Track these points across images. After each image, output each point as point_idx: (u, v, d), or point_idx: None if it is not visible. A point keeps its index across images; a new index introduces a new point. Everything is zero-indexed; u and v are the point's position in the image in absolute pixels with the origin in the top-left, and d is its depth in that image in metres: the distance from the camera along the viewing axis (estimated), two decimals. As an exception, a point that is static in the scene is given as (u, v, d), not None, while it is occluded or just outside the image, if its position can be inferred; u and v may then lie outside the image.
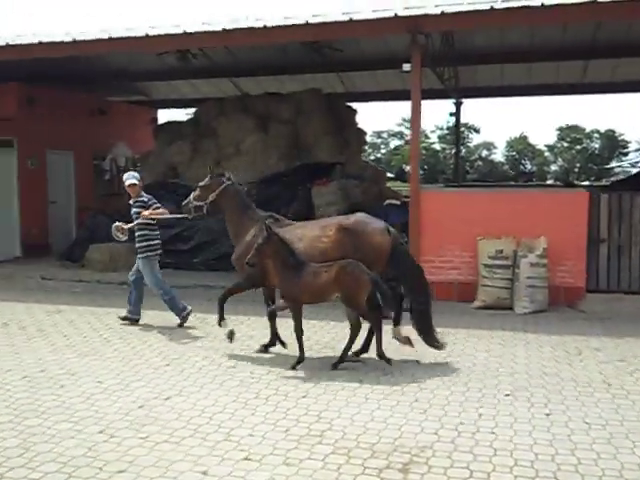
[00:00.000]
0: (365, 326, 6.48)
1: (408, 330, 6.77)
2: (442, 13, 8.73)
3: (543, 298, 8.90)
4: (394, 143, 66.47)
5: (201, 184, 7.51)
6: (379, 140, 67.47)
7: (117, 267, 12.07)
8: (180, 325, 8.17)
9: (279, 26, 9.58)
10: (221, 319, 7.01)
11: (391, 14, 8.90)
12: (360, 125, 15.57)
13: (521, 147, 64.74)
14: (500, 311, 9.00)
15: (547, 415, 5.13)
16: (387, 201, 11.84)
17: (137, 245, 8.26)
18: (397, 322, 6.71)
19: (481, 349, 7.12)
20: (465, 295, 9.47)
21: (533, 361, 6.63)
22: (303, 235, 6.67)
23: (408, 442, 4.62)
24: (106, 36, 10.34)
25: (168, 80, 16.50)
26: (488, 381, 5.99)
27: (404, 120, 57.87)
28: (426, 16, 8.90)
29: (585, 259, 9.17)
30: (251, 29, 9.78)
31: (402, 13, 8.89)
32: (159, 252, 8.38)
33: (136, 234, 8.26)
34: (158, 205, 8.31)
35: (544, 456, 4.40)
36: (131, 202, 8.36)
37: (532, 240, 9.11)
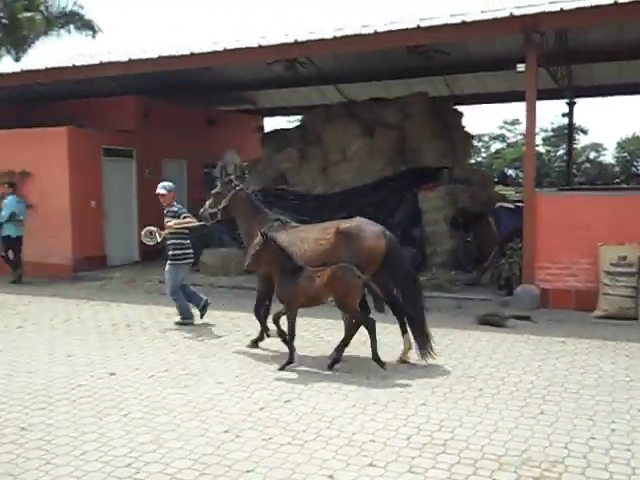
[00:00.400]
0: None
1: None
2: (561, 10, 8.41)
3: (672, 308, 8.37)
4: (495, 146, 64.76)
5: (213, 192, 7.78)
6: (480, 143, 65.96)
7: (229, 271, 12.42)
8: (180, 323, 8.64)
9: (389, 31, 9.57)
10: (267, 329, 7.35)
11: (506, 14, 8.68)
12: (467, 128, 15.28)
13: (633, 148, 61.30)
14: (624, 321, 8.53)
15: (688, 433, 4.80)
16: (498, 204, 11.49)
17: (168, 252, 8.60)
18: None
19: (606, 361, 6.76)
20: (583, 303, 9.04)
21: (666, 375, 6.23)
22: (306, 237, 6.91)
23: (537, 455, 4.45)
24: (220, 48, 10.71)
25: (275, 88, 16.86)
26: (618, 394, 5.68)
27: (505, 123, 56.21)
28: (543, 14, 8.61)
29: None
30: (360, 36, 9.83)
31: (518, 12, 8.64)
32: (189, 261, 8.76)
33: (167, 242, 8.56)
34: (187, 215, 8.54)
35: (689, 477, 4.12)
36: (165, 211, 8.65)
37: (659, 246, 8.59)
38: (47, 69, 12.52)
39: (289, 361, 6.51)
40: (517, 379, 6.13)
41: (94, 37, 29.35)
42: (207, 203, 7.77)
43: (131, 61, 11.30)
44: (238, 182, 7.65)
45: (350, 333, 6.50)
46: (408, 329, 6.69)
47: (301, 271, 6.39)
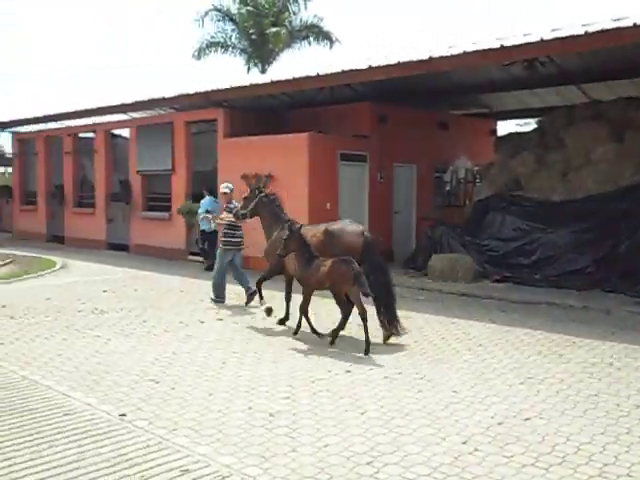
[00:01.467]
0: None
1: None
2: None
3: None
4: None
5: (244, 197, 9.62)
6: None
7: (457, 277, 12.24)
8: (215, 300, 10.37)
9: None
10: (261, 298, 9.19)
11: None
12: None
13: None
14: None
15: None
16: None
17: (221, 239, 10.65)
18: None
19: None
20: None
21: None
22: (305, 234, 8.11)
23: None
24: (459, 51, 10.57)
25: (511, 91, 16.23)
26: None
27: None
28: None
29: None
30: (618, 29, 9.02)
31: None
32: (234, 247, 10.45)
33: (223, 230, 10.58)
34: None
35: None
36: (224, 206, 10.79)
37: None
38: (294, 79, 13.40)
39: (296, 330, 8.14)
40: None
41: (331, 48, 30.91)
42: (239, 205, 9.76)
43: (371, 68, 11.64)
44: (263, 190, 9.47)
45: (345, 316, 7.87)
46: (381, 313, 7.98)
47: (314, 259, 7.75)
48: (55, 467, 4.31)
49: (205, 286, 12.07)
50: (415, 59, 11.01)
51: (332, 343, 7.67)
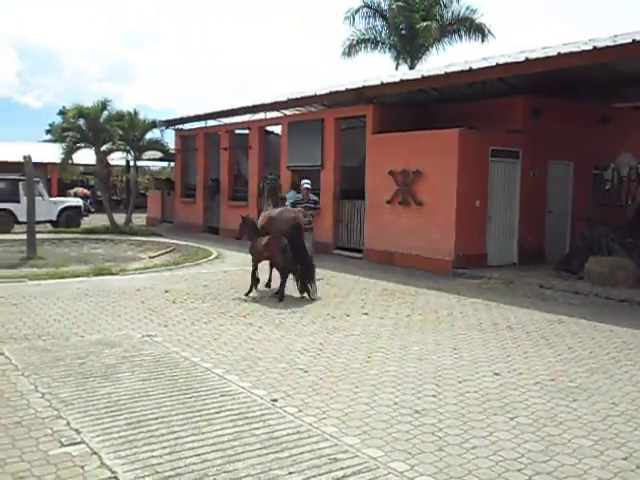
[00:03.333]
0: None
1: None
2: None
3: None
4: None
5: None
6: None
7: (617, 282, 11.46)
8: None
9: None
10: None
11: None
12: None
13: None
14: None
15: None
16: None
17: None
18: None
19: None
20: None
21: None
22: (263, 216, 11.15)
23: None
24: (628, 40, 9.87)
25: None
26: None
27: None
28: None
29: None
30: None
31: None
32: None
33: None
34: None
35: None
36: (306, 200, 12.97)
37: None
38: (446, 74, 13.21)
39: (249, 291, 10.54)
40: None
41: (483, 41, 30.03)
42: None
43: (528, 61, 11.18)
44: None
45: (283, 280, 10.29)
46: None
47: (258, 238, 10.61)
48: (214, 444, 4.59)
49: (349, 280, 12.31)
50: (577, 50, 10.43)
51: (280, 300, 10.04)
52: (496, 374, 6.47)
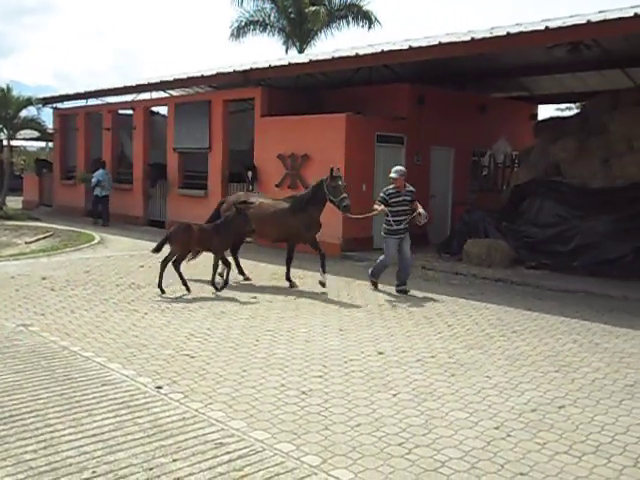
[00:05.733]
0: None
1: None
2: None
3: None
4: None
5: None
6: None
7: (493, 263, 12.12)
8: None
9: None
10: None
11: None
12: None
13: None
14: None
15: None
16: None
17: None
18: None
19: None
20: None
21: None
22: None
23: None
24: (503, 32, 10.37)
25: (554, 74, 15.91)
26: None
27: None
28: None
29: None
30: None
31: None
32: (389, 235, 10.02)
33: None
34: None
35: None
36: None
37: None
38: (333, 58, 13.33)
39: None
40: None
41: (370, 28, 30.53)
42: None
43: (412, 49, 11.50)
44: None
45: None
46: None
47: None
48: (94, 435, 4.42)
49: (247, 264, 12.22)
50: (457, 40, 10.84)
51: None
52: (380, 353, 6.66)
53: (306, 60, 14.68)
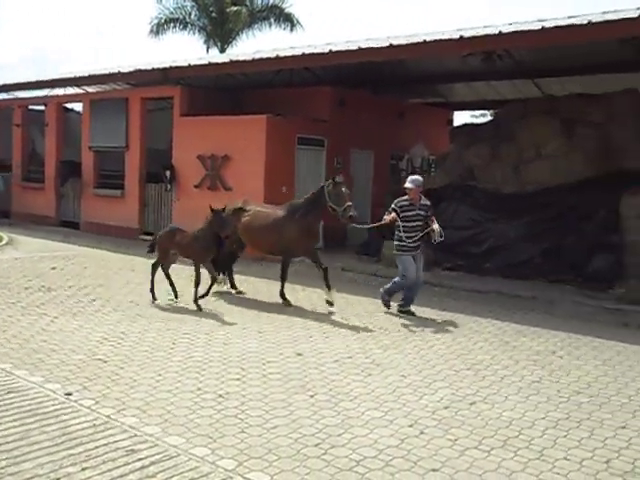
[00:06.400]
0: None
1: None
2: None
3: None
4: None
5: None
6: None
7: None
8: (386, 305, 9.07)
9: (605, 22, 8.88)
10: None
11: None
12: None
13: None
14: None
15: None
16: None
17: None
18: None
19: None
20: None
21: None
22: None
23: None
24: (419, 40, 10.64)
25: (469, 82, 16.45)
26: None
27: None
28: None
29: None
30: (572, 27, 9.23)
31: None
32: (400, 252, 8.91)
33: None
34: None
35: None
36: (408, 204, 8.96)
37: None
38: (253, 60, 13.27)
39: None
40: None
41: (292, 30, 30.64)
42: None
43: (332, 52, 11.61)
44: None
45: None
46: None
47: None
48: (-3, 445, 4.22)
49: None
50: (375, 46, 11.04)
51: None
52: (299, 354, 6.68)
53: (226, 60, 14.56)
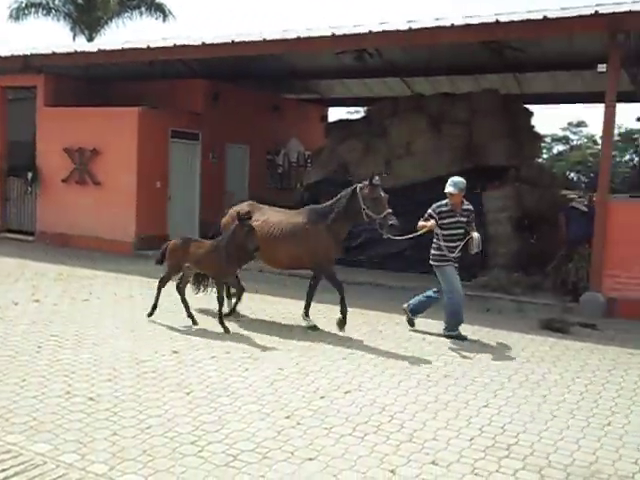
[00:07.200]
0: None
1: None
2: (650, 10, 8.09)
3: None
4: (558, 148, 63.10)
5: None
6: (541, 145, 64.18)
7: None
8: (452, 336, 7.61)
9: (466, 25, 9.39)
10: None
11: (591, 11, 8.40)
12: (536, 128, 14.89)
13: None
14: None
15: None
16: (572, 203, 10.95)
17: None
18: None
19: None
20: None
21: None
22: None
23: (606, 469, 4.32)
24: (293, 36, 10.72)
25: (342, 79, 16.80)
26: (691, 412, 5.46)
27: (570, 124, 54.57)
28: (630, 13, 8.29)
29: None
30: (436, 28, 9.68)
31: (603, 10, 8.35)
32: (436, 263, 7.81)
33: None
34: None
35: None
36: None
37: None
38: (123, 49, 12.81)
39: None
40: (583, 388, 5.97)
41: (164, 21, 29.83)
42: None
43: (205, 45, 11.44)
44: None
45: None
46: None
47: None
48: None
49: (19, 265, 11.26)
50: (248, 40, 11.00)
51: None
52: (175, 352, 6.55)
53: (94, 49, 13.91)
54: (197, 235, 14.63)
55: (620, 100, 15.14)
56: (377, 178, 7.62)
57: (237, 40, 11.14)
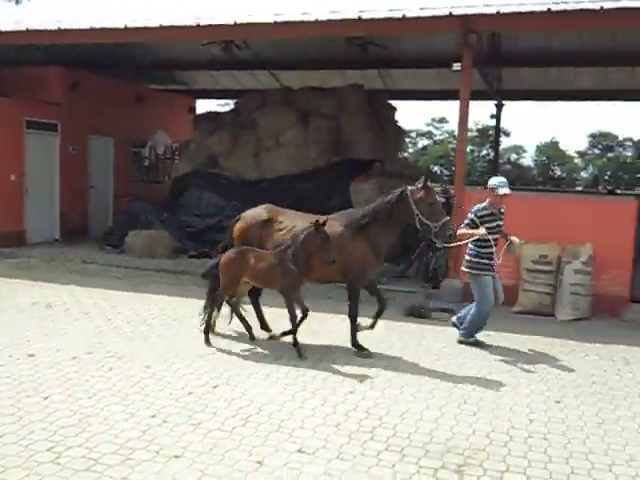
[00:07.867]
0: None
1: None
2: (497, 13, 8.65)
3: (586, 306, 8.80)
4: (422, 143, 66.16)
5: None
6: (407, 139, 66.86)
7: (156, 254, 12.18)
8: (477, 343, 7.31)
9: (330, 20, 9.57)
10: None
11: (445, 12, 8.84)
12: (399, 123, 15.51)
13: (551, 152, 63.93)
14: (541, 317, 8.92)
15: (599, 424, 5.08)
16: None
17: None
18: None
19: (525, 354, 7.05)
20: (506, 298, 9.35)
21: (581, 369, 6.55)
22: None
23: (461, 444, 4.60)
24: (155, 24, 10.41)
25: (209, 70, 16.56)
26: (536, 386, 5.93)
27: (433, 120, 57.43)
28: (480, 15, 8.83)
29: (631, 269, 9.03)
30: (300, 23, 9.79)
31: (456, 12, 8.82)
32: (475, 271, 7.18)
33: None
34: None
35: (601, 465, 4.36)
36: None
37: (577, 247, 8.99)
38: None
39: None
40: (443, 370, 6.30)
41: (18, 3, 27.95)
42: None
43: (61, 30, 10.81)
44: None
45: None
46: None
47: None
48: None
49: None
50: (109, 26, 10.54)
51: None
52: (31, 355, 6.18)
53: None
54: (57, 229, 13.95)
55: (476, 98, 16.19)
56: (427, 180, 6.73)
57: (97, 27, 10.63)
